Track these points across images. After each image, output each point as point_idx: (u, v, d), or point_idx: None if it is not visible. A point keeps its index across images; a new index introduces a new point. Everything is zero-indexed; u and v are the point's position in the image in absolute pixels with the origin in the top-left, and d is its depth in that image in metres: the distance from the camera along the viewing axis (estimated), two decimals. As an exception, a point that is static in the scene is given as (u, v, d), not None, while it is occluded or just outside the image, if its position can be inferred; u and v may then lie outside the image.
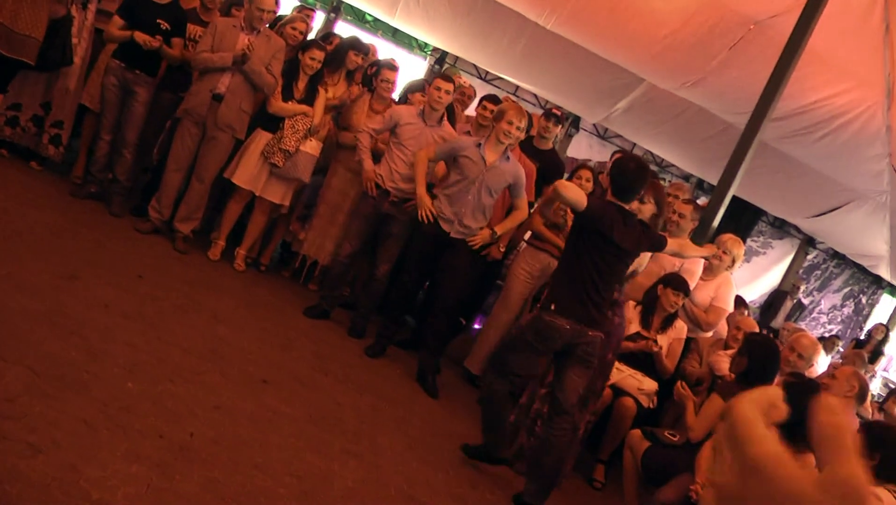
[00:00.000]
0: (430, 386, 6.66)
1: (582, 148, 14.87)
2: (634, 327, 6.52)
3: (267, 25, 7.06)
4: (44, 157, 7.20)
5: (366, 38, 10.05)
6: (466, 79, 10.30)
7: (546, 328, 5.11)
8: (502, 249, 6.97)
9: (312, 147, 7.11)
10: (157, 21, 6.81)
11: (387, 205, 6.81)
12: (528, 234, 7.49)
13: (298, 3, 10.33)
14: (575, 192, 5.07)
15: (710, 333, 6.95)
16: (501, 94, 11.73)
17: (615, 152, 8.72)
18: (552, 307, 5.11)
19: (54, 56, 6.61)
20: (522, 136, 6.78)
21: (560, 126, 7.66)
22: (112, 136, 7.05)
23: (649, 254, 6.09)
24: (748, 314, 8.56)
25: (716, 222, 7.33)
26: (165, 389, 4.43)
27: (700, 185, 14.99)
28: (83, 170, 7.38)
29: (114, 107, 6.99)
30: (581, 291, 5.13)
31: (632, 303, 6.67)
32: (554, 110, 7.66)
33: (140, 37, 6.69)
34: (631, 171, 5.19)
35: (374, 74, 7.56)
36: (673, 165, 14.62)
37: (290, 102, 7.04)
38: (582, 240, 5.11)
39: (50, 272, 5.20)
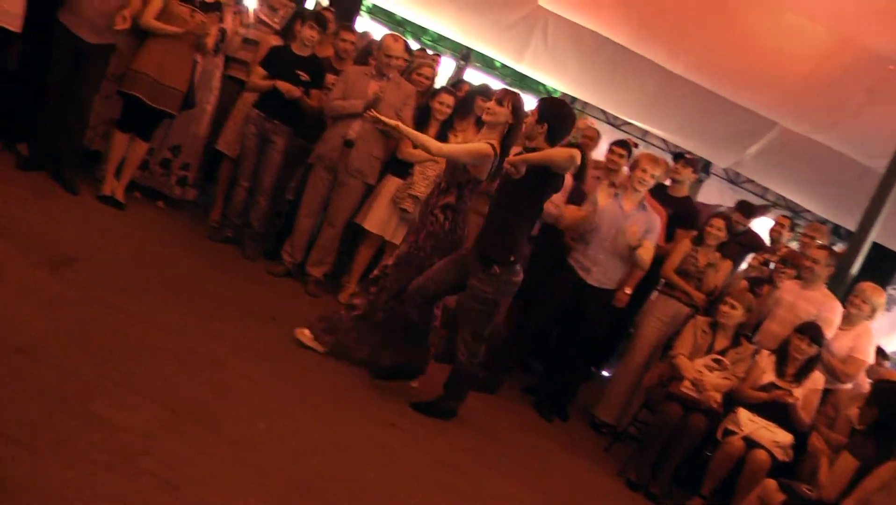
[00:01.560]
0: (546, 413, 6.84)
1: (713, 193, 14.56)
2: (769, 377, 6.33)
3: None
4: (170, 197, 7.48)
5: (495, 84, 10.15)
6: (593, 121, 10.26)
7: (514, 286, 5.44)
8: (628, 292, 6.90)
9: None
10: (297, 72, 7.01)
11: None
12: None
13: (421, 48, 10.49)
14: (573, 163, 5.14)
15: (849, 385, 6.68)
16: (628, 138, 11.67)
17: (740, 202, 8.52)
18: (512, 259, 5.29)
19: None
20: (654, 181, 6.77)
21: (691, 168, 7.56)
22: (250, 184, 7.28)
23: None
24: (889, 365, 8.21)
25: (855, 270, 7.11)
26: (294, 429, 4.51)
27: (836, 231, 14.52)
28: (220, 214, 7.62)
29: (252, 155, 7.21)
30: (527, 235, 5.55)
31: (766, 352, 6.49)
32: (686, 155, 7.57)
33: (282, 85, 6.90)
34: (569, 119, 5.38)
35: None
36: (808, 211, 14.21)
37: (420, 149, 7.13)
38: (540, 191, 5.30)
39: (187, 312, 5.37)
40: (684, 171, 7.58)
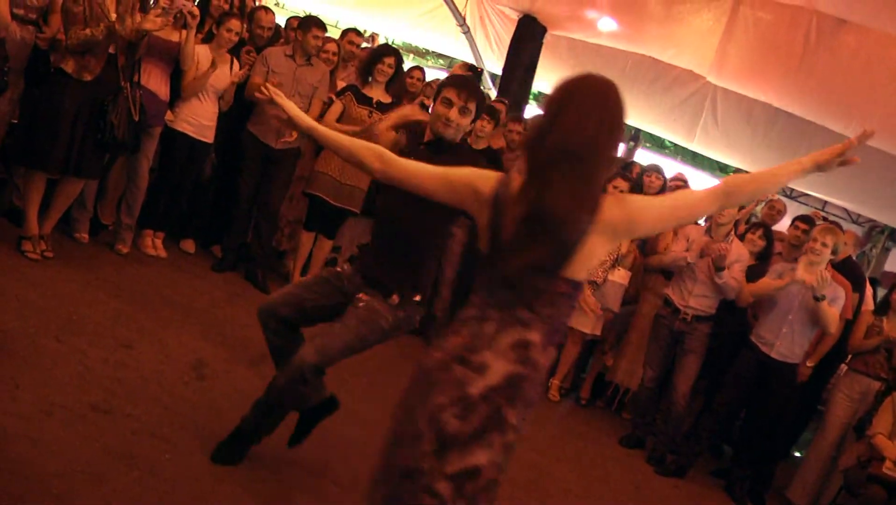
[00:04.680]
0: (740, 498, 6.63)
1: (903, 262, 14.00)
2: None
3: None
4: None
5: (666, 163, 10.12)
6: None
7: None
8: (809, 365, 6.71)
9: (621, 276, 7.16)
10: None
11: (678, 323, 6.72)
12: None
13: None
14: None
15: None
16: (809, 210, 11.39)
17: None
18: None
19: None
20: (834, 255, 6.53)
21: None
22: (433, 275, 7.41)
23: None
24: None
25: None
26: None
27: None
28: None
29: (455, 256, 7.31)
30: None
31: None
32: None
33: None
34: None
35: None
36: None
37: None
38: None
39: (380, 405, 5.47)
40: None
